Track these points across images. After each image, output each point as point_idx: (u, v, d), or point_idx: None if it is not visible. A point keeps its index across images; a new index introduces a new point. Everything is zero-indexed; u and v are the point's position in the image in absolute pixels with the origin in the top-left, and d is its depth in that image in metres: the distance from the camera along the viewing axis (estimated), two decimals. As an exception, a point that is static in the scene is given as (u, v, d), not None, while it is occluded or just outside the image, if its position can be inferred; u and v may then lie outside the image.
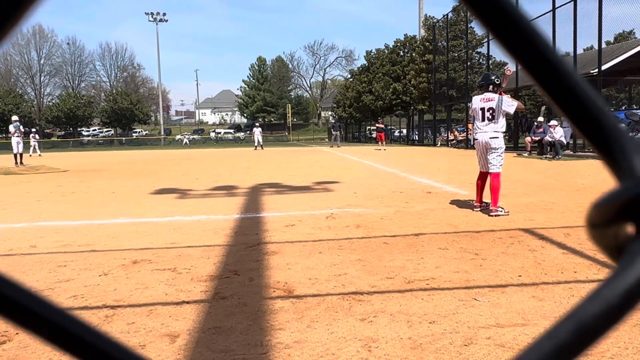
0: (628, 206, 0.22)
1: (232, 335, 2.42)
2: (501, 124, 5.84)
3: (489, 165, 5.83)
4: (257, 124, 36.49)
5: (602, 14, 16.37)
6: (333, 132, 35.75)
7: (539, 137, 17.30)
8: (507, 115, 5.90)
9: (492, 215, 5.53)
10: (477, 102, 5.93)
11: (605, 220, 0.22)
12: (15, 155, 17.75)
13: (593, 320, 0.20)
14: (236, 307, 2.81)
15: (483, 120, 5.85)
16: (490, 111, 5.80)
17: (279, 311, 2.75)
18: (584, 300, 0.21)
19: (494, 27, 0.23)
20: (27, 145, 19.51)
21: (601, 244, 0.23)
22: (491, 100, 5.82)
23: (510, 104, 5.81)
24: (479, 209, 5.93)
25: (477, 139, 5.99)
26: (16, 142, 17.86)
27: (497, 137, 5.81)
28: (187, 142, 55.20)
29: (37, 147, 28.91)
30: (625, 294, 0.21)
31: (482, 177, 6.04)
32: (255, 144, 32.84)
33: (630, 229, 0.22)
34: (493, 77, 5.96)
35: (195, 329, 2.53)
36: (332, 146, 33.12)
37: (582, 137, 0.23)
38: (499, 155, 5.81)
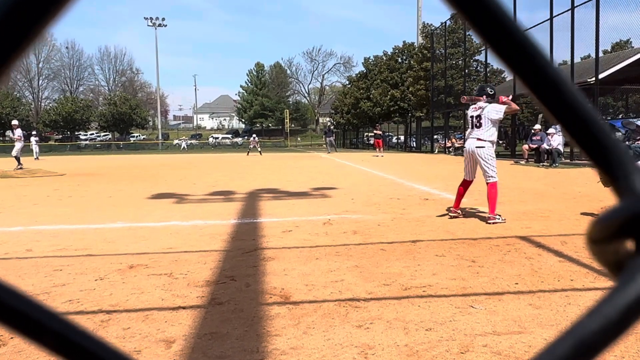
0: (628, 223, 0.22)
1: (228, 341, 2.41)
2: (489, 131, 5.83)
3: (485, 176, 5.83)
4: (254, 135, 36.97)
5: (599, 23, 16.46)
6: (326, 139, 35.90)
7: (536, 145, 17.35)
8: (499, 121, 5.91)
9: (489, 223, 5.54)
10: (470, 110, 6.04)
11: (605, 236, 0.22)
12: (18, 158, 17.77)
13: (592, 336, 0.20)
14: (232, 313, 2.80)
15: (472, 127, 5.93)
16: (478, 119, 5.87)
17: (275, 317, 2.74)
18: (583, 317, 0.21)
19: (489, 39, 0.23)
20: (26, 148, 19.45)
21: (601, 259, 0.23)
22: (480, 108, 5.88)
23: (496, 111, 5.82)
24: (454, 214, 5.95)
25: (464, 147, 6.09)
26: (20, 145, 17.98)
27: (483, 147, 5.80)
28: (185, 147, 55.18)
29: (37, 151, 28.90)
30: (625, 310, 0.21)
31: (465, 184, 6.08)
32: (248, 150, 33.35)
33: (630, 245, 0.22)
34: (487, 89, 6.04)
35: (191, 334, 2.52)
36: (328, 152, 33.19)
37: (583, 154, 0.23)
38: (490, 166, 5.81)
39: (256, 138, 35.03)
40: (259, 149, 33.35)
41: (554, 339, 0.21)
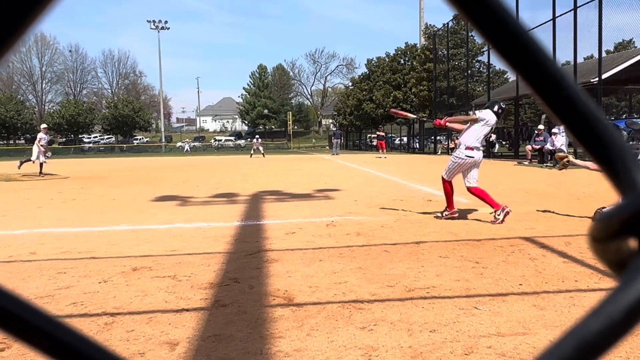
0: (631, 221, 0.22)
1: (232, 343, 2.41)
2: (464, 139, 5.98)
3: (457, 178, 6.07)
4: (257, 137, 36.96)
5: (602, 23, 16.44)
6: (334, 140, 35.95)
7: (539, 146, 17.31)
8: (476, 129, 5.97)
9: (493, 221, 5.54)
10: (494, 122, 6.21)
11: (607, 234, 0.22)
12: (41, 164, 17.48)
13: (595, 337, 0.20)
14: (236, 315, 2.80)
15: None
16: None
17: (279, 319, 2.74)
18: (586, 316, 0.21)
19: (491, 38, 0.23)
20: (29, 152, 19.30)
21: (603, 258, 0.23)
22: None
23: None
24: (448, 214, 5.94)
25: (472, 156, 6.05)
26: (40, 151, 17.61)
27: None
28: (188, 150, 55.19)
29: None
30: (628, 310, 0.21)
31: (449, 185, 6.15)
32: (252, 152, 33.37)
33: (632, 243, 0.22)
34: (496, 108, 6.02)
35: (195, 336, 2.52)
36: (333, 154, 33.23)
37: (585, 152, 0.23)
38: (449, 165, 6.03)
39: (259, 140, 35.15)
40: (262, 151, 33.41)
41: (556, 340, 0.21)
